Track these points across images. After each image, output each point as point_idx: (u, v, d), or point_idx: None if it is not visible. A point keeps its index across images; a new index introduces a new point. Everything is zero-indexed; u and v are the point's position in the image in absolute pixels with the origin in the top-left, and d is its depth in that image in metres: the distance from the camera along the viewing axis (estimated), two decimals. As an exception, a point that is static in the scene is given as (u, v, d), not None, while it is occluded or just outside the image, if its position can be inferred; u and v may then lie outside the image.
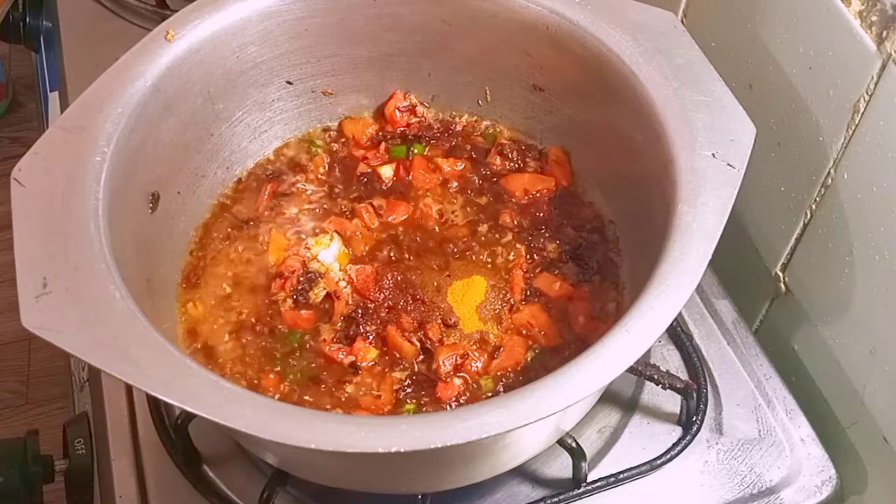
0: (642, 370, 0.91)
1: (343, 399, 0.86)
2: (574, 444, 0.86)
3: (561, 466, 0.90)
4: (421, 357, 0.88)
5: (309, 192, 1.01)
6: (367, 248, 0.96)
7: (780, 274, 1.03)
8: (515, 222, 0.98)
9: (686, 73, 0.85)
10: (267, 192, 1.00)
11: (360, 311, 0.91)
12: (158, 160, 0.88)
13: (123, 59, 0.86)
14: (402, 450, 0.63)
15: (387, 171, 1.03)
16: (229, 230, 0.97)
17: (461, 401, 0.86)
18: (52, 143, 0.79)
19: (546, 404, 0.66)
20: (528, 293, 0.93)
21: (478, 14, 0.96)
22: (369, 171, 1.03)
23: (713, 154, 0.79)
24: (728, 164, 0.78)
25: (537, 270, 0.94)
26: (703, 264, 0.72)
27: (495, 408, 0.65)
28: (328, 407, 0.85)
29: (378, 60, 1.02)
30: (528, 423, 0.65)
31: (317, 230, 0.98)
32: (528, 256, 0.95)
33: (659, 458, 0.91)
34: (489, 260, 0.95)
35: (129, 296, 0.71)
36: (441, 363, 0.87)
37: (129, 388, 0.95)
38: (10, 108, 2.57)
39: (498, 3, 0.94)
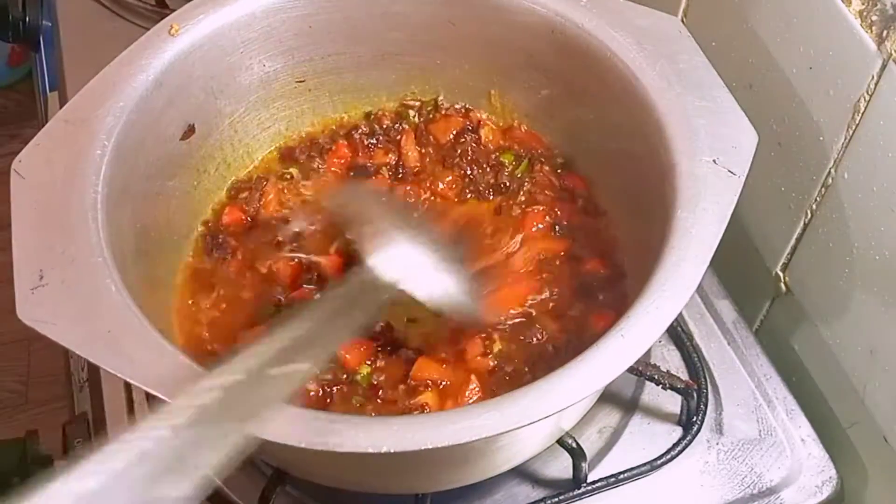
0: (642, 370, 0.91)
1: None
2: (574, 445, 0.86)
3: (561, 466, 0.90)
4: None
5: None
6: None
7: (781, 274, 1.03)
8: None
9: (689, 78, 0.85)
10: (268, 190, 0.99)
11: None
12: (159, 155, 0.88)
13: (126, 52, 0.86)
14: (392, 450, 0.63)
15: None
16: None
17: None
18: (53, 135, 0.80)
19: (539, 408, 0.65)
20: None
21: (483, 15, 0.96)
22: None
23: (714, 160, 0.79)
24: (729, 171, 0.78)
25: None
26: (700, 271, 0.72)
27: (488, 410, 0.65)
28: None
29: (382, 59, 1.02)
30: (521, 427, 0.65)
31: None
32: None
33: (659, 458, 0.90)
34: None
35: (125, 289, 0.71)
36: None
37: (128, 388, 0.95)
38: (10, 107, 2.57)
39: (503, 5, 0.94)
